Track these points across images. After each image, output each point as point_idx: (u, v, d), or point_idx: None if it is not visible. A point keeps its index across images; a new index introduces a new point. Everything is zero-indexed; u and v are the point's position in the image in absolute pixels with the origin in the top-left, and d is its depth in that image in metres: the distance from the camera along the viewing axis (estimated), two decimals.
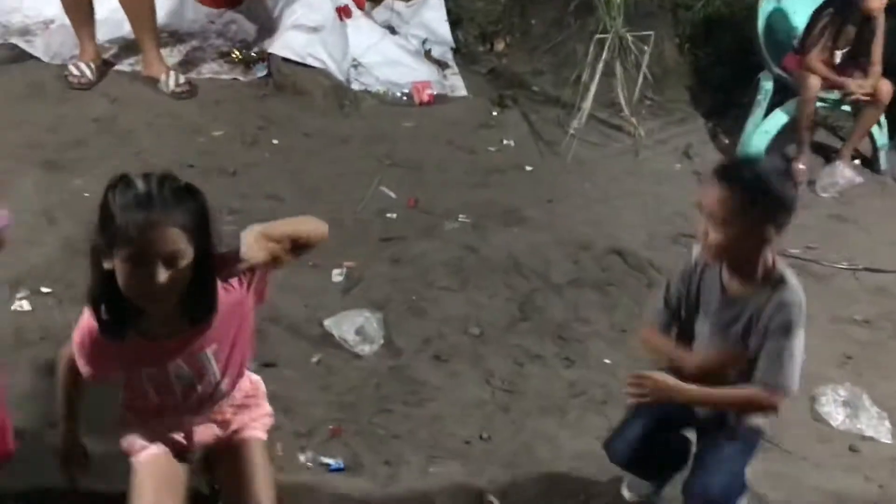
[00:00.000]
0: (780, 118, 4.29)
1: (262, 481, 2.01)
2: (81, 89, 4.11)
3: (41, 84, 4.14)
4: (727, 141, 4.48)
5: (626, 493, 2.43)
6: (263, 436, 2.10)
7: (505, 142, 4.29)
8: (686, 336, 2.14)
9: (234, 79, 4.43)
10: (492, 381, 2.84)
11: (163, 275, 1.64)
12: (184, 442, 2.04)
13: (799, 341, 1.97)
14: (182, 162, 3.74)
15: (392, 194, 3.75)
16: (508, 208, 3.76)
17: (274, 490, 2.01)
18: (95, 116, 3.97)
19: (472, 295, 3.21)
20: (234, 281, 1.84)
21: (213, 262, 1.74)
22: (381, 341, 2.94)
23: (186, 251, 1.66)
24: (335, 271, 3.22)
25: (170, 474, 1.98)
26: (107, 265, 1.67)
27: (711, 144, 4.51)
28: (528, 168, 4.11)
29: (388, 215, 3.62)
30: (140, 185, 1.64)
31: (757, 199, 1.86)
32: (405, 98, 4.52)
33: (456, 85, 4.70)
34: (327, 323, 2.95)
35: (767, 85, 4.38)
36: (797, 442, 2.75)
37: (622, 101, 4.44)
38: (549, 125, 4.46)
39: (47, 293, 2.93)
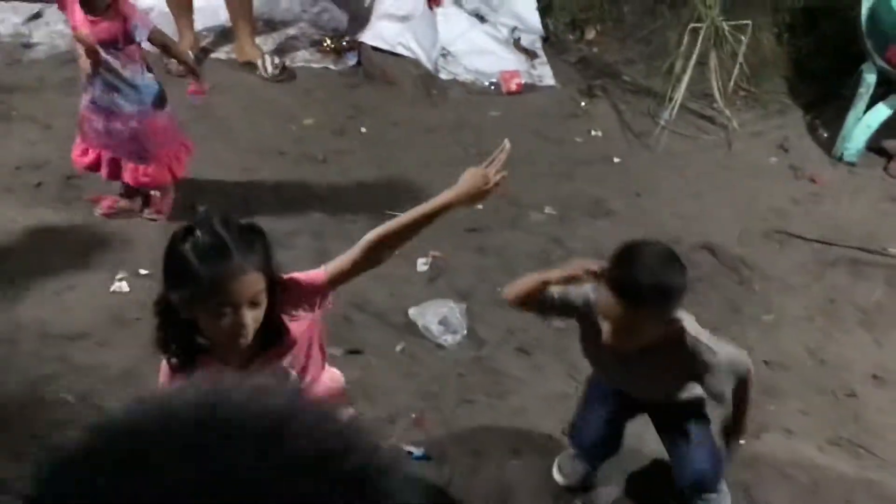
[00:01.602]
0: (882, 112, 4.11)
1: None
2: (180, 76, 4.22)
3: None
4: (826, 135, 4.32)
5: (557, 477, 2.47)
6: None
7: (593, 133, 4.24)
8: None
9: (326, 67, 4.49)
10: (575, 375, 2.81)
11: (249, 317, 1.67)
12: None
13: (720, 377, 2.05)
14: (274, 149, 3.82)
15: None
16: (595, 200, 3.72)
17: None
18: (191, 103, 4.07)
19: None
20: (304, 307, 1.84)
21: (278, 290, 1.76)
22: (465, 332, 2.95)
23: (264, 289, 1.69)
24: (420, 260, 3.24)
25: None
26: (184, 314, 1.69)
27: (809, 138, 4.36)
28: (617, 160, 4.05)
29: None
30: (210, 233, 1.64)
31: (662, 309, 1.90)
32: (493, 87, 4.50)
33: (544, 74, 4.66)
34: (412, 312, 2.98)
35: (870, 77, 4.20)
36: (893, 450, 2.66)
37: (716, 92, 4.33)
38: (639, 116, 4.38)
39: (145, 275, 3.03)
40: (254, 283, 1.66)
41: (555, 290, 2.05)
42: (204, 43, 4.45)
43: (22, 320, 2.81)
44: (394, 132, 4.08)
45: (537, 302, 2.07)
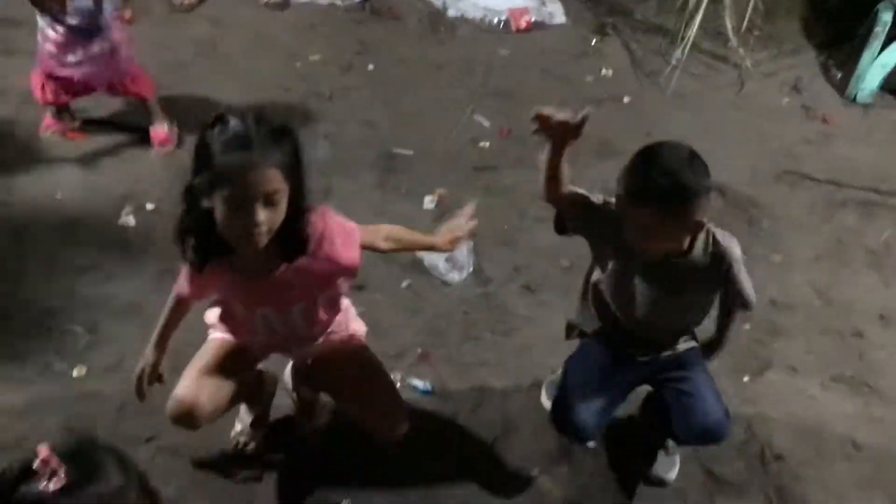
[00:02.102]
0: None
1: (386, 381, 2.11)
2: (184, 11, 4.18)
3: (147, 6, 4.22)
4: (840, 75, 4.25)
5: (546, 403, 2.45)
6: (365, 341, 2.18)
7: (603, 72, 4.17)
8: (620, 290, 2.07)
9: (332, 3, 4.42)
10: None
11: (262, 214, 1.66)
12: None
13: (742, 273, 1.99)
14: (279, 86, 3.78)
15: (486, 123, 3.71)
16: (604, 141, 3.67)
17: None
18: (196, 39, 4.03)
19: None
20: (328, 256, 1.84)
21: (306, 200, 1.75)
22: (471, 269, 2.95)
23: (283, 190, 1.67)
24: (427, 198, 3.22)
25: (228, 364, 2.04)
26: (205, 204, 1.68)
27: (823, 78, 4.28)
28: (627, 99, 4.00)
29: (481, 144, 3.59)
30: (237, 124, 1.63)
31: (686, 210, 1.80)
32: (502, 25, 4.43)
33: (555, 12, 4.57)
34: None
35: (886, 16, 4.11)
36: None
37: (729, 31, 4.25)
38: (651, 55, 4.31)
39: (151, 210, 3.03)
40: (270, 179, 1.64)
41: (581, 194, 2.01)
42: None
43: (29, 254, 2.82)
44: (401, 69, 4.03)
45: (568, 198, 2.00)
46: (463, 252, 2.97)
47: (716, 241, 1.94)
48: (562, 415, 2.16)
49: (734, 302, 2.05)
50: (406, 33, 4.29)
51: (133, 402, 2.34)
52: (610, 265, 2.04)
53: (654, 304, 2.03)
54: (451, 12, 4.45)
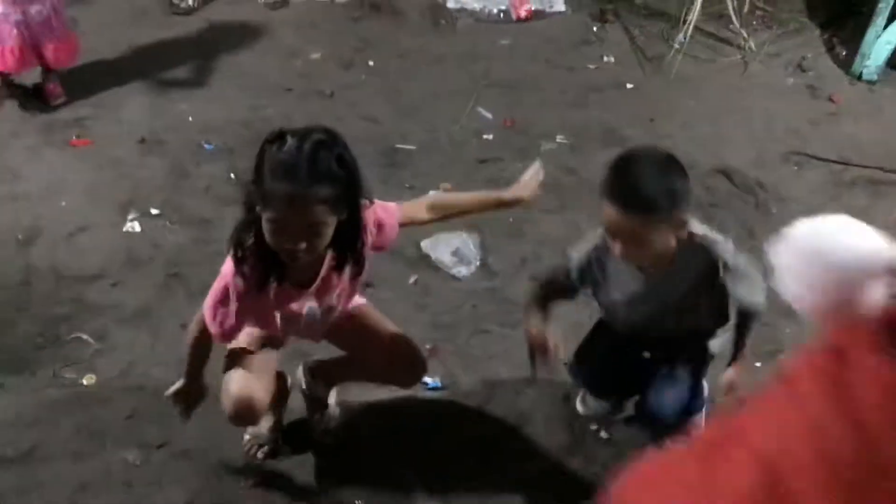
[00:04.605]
0: None
1: (394, 329, 2.14)
2: (184, 14, 4.17)
3: (144, 9, 4.22)
4: (844, 53, 4.20)
5: (580, 408, 2.46)
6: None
7: (605, 59, 4.14)
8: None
9: (331, 0, 4.40)
10: (590, 303, 2.80)
11: (302, 243, 1.68)
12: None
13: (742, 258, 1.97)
14: (281, 85, 3.78)
15: (488, 114, 3.70)
16: (608, 128, 3.65)
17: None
18: (197, 41, 4.02)
19: (569, 216, 3.16)
20: (372, 247, 1.89)
21: (359, 229, 1.77)
22: (478, 262, 2.94)
23: (328, 221, 1.69)
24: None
25: (261, 358, 2.04)
26: (259, 210, 1.69)
27: (827, 57, 4.24)
28: (630, 86, 3.97)
29: (485, 136, 3.58)
30: (292, 149, 1.62)
31: (666, 214, 1.82)
32: (502, 15, 4.40)
33: (555, 0, 4.55)
34: (424, 244, 2.96)
35: None
36: None
37: (731, 12, 4.21)
38: (653, 40, 4.27)
39: (156, 215, 3.03)
40: (313, 214, 1.65)
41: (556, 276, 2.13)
42: None
43: (36, 263, 2.82)
44: (402, 64, 4.02)
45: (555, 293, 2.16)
46: (469, 245, 2.96)
47: (704, 248, 1.93)
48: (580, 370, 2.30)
49: (740, 309, 2.04)
50: (406, 27, 4.27)
51: (144, 408, 2.36)
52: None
53: (648, 316, 2.06)
54: (451, 4, 4.43)
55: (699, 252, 1.94)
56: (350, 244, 1.79)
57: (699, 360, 2.19)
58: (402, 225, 1.95)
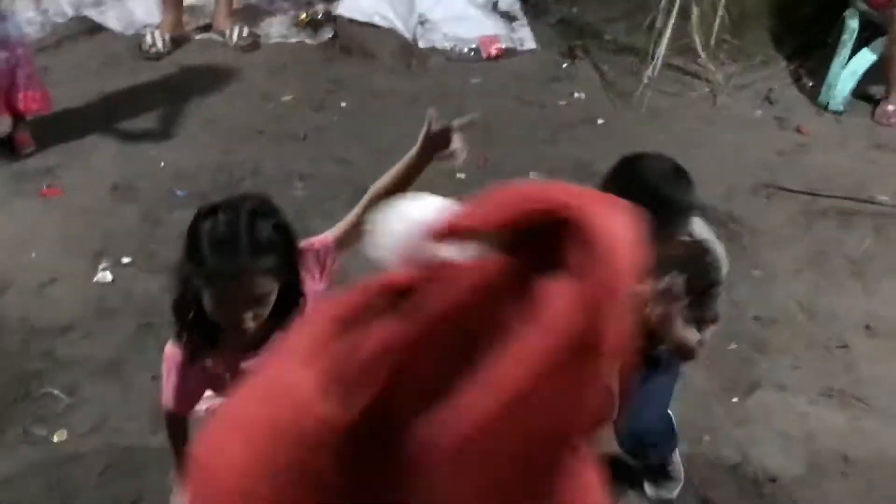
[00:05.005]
0: (867, 58, 4.06)
1: None
2: (154, 59, 4.17)
3: (116, 55, 4.22)
4: (811, 84, 4.27)
5: None
6: None
7: (576, 95, 4.18)
8: None
9: (301, 42, 4.43)
10: None
11: (248, 316, 1.64)
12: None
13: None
14: (253, 128, 3.78)
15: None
16: (580, 163, 3.67)
17: None
18: (168, 86, 4.02)
19: None
20: (311, 275, 1.80)
21: (300, 285, 1.72)
22: None
23: (272, 291, 1.65)
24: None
25: None
26: (196, 284, 1.65)
27: (795, 88, 4.30)
28: (601, 121, 4.00)
29: (458, 175, 3.58)
30: (228, 223, 1.59)
31: (662, 225, 1.63)
32: (473, 53, 4.44)
33: (524, 37, 4.59)
34: None
35: (853, 23, 4.15)
36: (886, 399, 2.65)
37: (698, 46, 4.27)
38: (622, 75, 4.32)
39: (127, 264, 3.01)
40: (259, 286, 1.62)
41: None
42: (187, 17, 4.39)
43: (5, 315, 2.79)
44: (374, 105, 4.03)
45: None
46: None
47: (708, 250, 1.86)
48: None
49: (704, 316, 1.94)
50: (377, 68, 4.30)
51: (116, 463, 2.33)
52: None
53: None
54: (422, 44, 4.46)
55: (697, 257, 1.86)
56: (292, 302, 1.74)
57: (673, 369, 2.11)
58: (343, 245, 1.82)
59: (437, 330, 0.42)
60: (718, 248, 1.91)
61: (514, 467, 0.45)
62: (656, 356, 2.07)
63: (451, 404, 0.42)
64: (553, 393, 0.44)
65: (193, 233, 1.62)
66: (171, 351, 1.82)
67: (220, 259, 1.59)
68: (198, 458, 0.51)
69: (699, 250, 1.85)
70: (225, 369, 1.85)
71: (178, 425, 1.93)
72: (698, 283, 1.86)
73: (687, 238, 1.85)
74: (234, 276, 1.60)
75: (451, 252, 0.45)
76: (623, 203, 0.46)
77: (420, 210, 0.46)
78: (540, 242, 0.47)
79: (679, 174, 1.75)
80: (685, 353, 1.98)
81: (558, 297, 0.44)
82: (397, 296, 0.45)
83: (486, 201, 0.47)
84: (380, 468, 0.44)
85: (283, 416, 0.47)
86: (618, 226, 0.48)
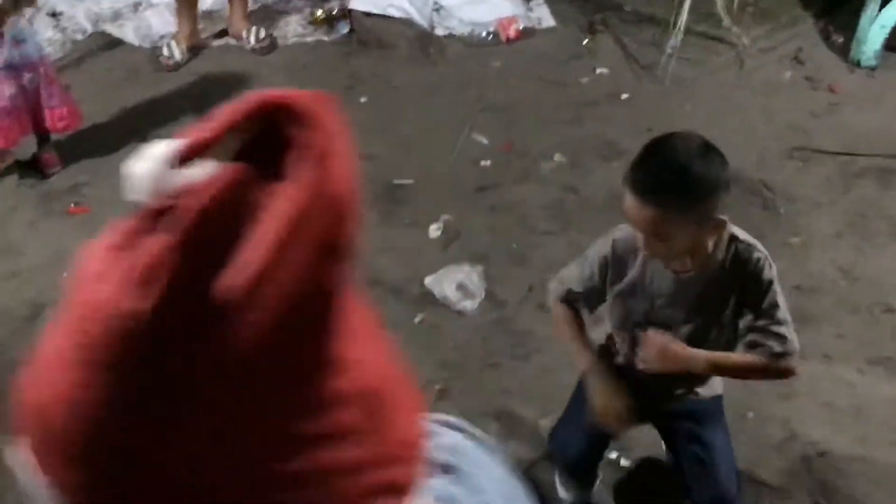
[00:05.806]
0: None
1: None
2: (172, 70, 4.18)
3: (136, 69, 4.23)
4: (841, 40, 4.13)
5: (562, 494, 2.26)
6: None
7: (598, 71, 4.10)
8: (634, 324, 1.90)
9: (319, 40, 4.40)
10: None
11: None
12: None
13: (781, 297, 1.77)
14: None
15: (485, 140, 3.66)
16: (606, 142, 3.61)
17: None
18: (189, 96, 4.03)
19: (574, 237, 3.11)
20: None
21: None
22: (483, 295, 2.90)
23: None
24: (432, 226, 3.18)
25: None
26: None
27: (824, 46, 4.17)
28: (625, 96, 3.92)
29: (483, 163, 3.54)
30: None
31: (693, 205, 1.63)
32: (491, 37, 4.37)
33: (543, 16, 4.51)
34: (428, 281, 2.93)
35: None
36: None
37: (721, 10, 4.16)
38: (645, 47, 4.22)
39: None
40: None
41: (574, 283, 1.93)
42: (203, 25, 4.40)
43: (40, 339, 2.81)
44: (394, 97, 4.00)
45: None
46: (473, 278, 2.93)
47: (738, 252, 1.76)
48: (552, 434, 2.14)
49: (763, 345, 1.77)
50: (396, 59, 4.26)
51: None
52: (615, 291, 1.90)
53: (671, 319, 1.83)
54: (439, 31, 4.41)
55: (740, 262, 1.76)
56: None
57: (722, 413, 1.99)
58: None
59: (197, 235, 0.48)
60: (761, 246, 1.81)
61: (295, 308, 0.49)
62: (701, 406, 1.97)
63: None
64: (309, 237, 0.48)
65: None
66: None
67: None
68: (23, 400, 0.53)
69: (745, 250, 1.76)
70: None
71: None
72: (755, 287, 1.76)
73: (728, 235, 1.76)
74: None
75: (193, 173, 0.49)
76: (329, 97, 0.47)
77: (158, 148, 0.48)
78: (268, 148, 0.51)
79: (709, 150, 1.67)
80: (773, 372, 1.84)
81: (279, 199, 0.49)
82: (157, 219, 0.49)
83: (211, 116, 0.50)
84: (192, 348, 0.48)
85: (94, 328, 0.49)
86: (326, 119, 0.51)
